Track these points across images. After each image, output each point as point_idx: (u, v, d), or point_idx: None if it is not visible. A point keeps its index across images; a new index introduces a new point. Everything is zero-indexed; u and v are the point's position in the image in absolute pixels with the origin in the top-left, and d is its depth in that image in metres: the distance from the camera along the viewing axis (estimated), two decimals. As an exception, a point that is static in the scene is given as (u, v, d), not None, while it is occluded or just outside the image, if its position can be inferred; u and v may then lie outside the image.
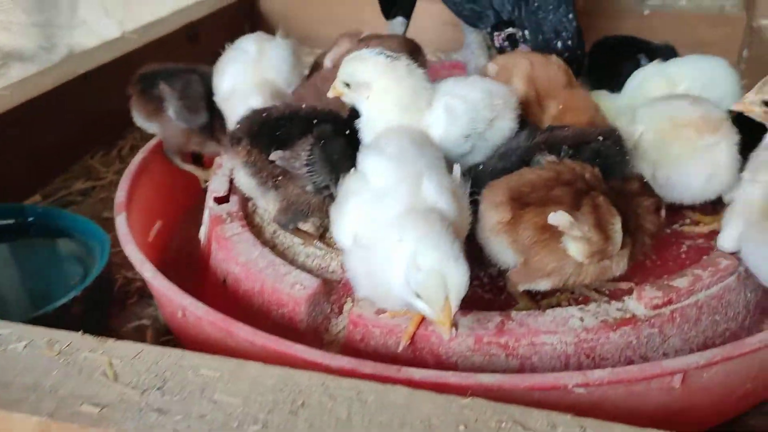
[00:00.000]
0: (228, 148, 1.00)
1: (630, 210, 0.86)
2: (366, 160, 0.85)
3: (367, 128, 0.93)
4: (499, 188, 0.85)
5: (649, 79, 1.11)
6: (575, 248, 0.81)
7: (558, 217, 0.79)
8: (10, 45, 2.83)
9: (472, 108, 0.94)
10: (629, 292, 0.87)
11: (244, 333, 0.75)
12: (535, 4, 1.12)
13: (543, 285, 0.85)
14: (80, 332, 0.70)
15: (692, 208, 1.02)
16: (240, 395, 0.62)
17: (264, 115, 0.97)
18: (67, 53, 2.80)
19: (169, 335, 1.00)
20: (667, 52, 1.26)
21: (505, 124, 0.97)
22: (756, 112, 0.91)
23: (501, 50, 1.17)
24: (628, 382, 0.68)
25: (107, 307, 1.02)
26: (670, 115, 0.96)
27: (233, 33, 2.14)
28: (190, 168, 1.26)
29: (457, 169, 0.84)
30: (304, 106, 0.99)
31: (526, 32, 1.13)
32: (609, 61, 1.27)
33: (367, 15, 1.71)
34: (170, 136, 1.19)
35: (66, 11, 2.81)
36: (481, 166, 0.92)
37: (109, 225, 1.21)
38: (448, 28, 1.97)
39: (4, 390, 0.62)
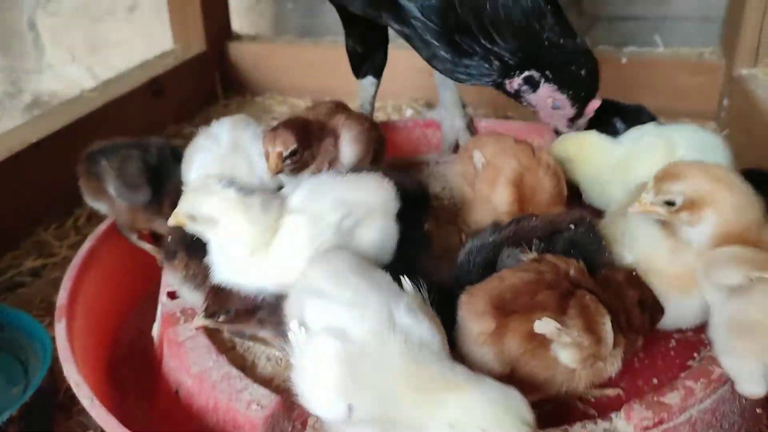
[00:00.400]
0: (164, 263, 0.92)
1: (619, 304, 0.80)
2: (312, 311, 0.71)
3: (218, 265, 0.83)
4: (480, 296, 0.78)
5: (647, 139, 1.08)
6: (566, 355, 0.75)
7: (544, 325, 0.73)
8: (-25, 91, 2.74)
9: (316, 225, 0.81)
10: (617, 399, 0.80)
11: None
12: (546, 42, 1.06)
13: (533, 397, 0.77)
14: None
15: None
16: None
17: None
18: (31, 100, 2.72)
19: (117, 450, 0.91)
20: (639, 114, 1.25)
21: (372, 234, 0.84)
22: (660, 213, 0.84)
23: (517, 94, 1.11)
24: None
25: (51, 417, 0.93)
26: (645, 257, 0.87)
27: (202, 84, 2.10)
28: (146, 247, 1.18)
29: (406, 282, 0.74)
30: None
31: (547, 72, 1.08)
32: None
33: (336, 64, 1.65)
34: (117, 214, 1.11)
35: (32, 56, 2.73)
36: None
37: (57, 313, 1.13)
38: (423, 75, 1.92)
39: None
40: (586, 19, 2.21)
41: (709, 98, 1.95)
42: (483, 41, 1.08)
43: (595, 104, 1.13)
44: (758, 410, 0.89)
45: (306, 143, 0.99)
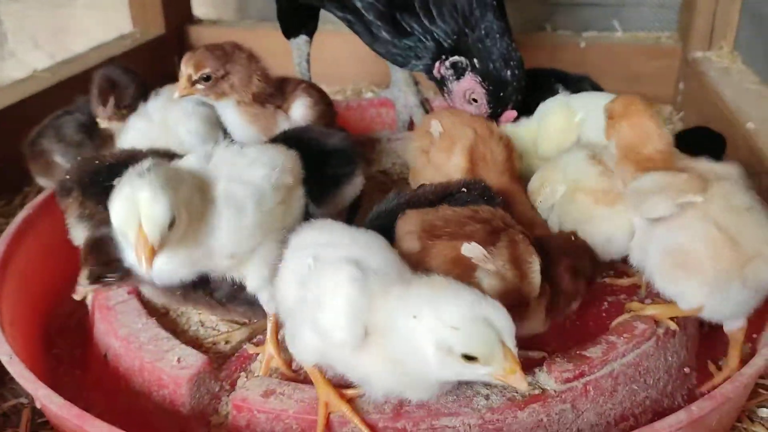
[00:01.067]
0: (58, 198, 0.92)
1: (549, 264, 0.80)
2: (322, 253, 0.71)
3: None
4: (412, 218, 0.80)
5: (552, 108, 1.11)
6: (489, 283, 0.75)
7: (471, 249, 0.74)
8: (-65, 79, 2.69)
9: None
10: (541, 362, 0.80)
11: (100, 430, 0.66)
12: (482, 32, 1.07)
13: None
14: None
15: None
16: None
17: (96, 162, 0.90)
18: (-7, 86, 2.67)
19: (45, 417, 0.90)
20: (582, 83, 1.26)
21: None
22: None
23: (442, 80, 1.11)
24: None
25: (-20, 387, 0.91)
26: (575, 179, 0.91)
27: (160, 67, 2.08)
28: None
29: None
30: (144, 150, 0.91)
31: (475, 60, 1.08)
32: (529, 90, 1.25)
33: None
34: None
35: (-7, 43, 2.69)
36: None
37: None
38: (368, 60, 1.91)
39: None
40: (547, 5, 2.23)
41: (666, 82, 1.97)
42: (423, 19, 1.09)
43: (510, 115, 1.11)
44: (686, 369, 0.90)
45: (223, 70, 1.01)
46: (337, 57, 1.92)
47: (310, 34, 1.44)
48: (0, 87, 1.60)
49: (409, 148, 1.15)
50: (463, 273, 0.74)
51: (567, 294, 0.81)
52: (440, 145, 1.05)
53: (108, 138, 1.11)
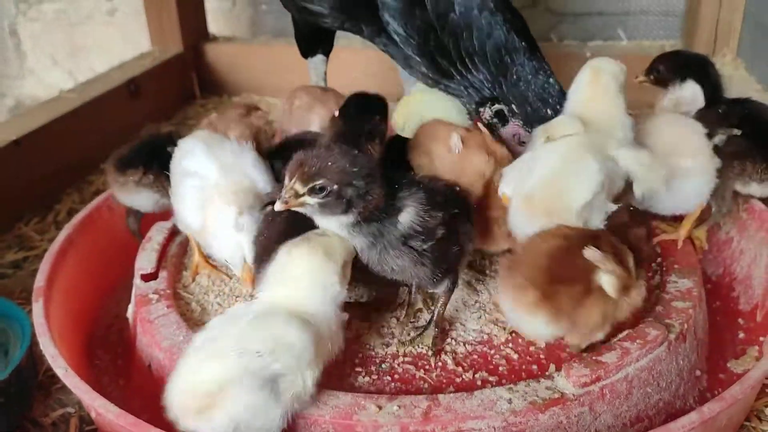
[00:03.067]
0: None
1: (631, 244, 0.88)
2: None
3: None
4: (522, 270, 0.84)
5: None
6: (608, 281, 0.82)
7: (592, 253, 0.81)
8: (-44, 96, 2.77)
9: None
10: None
11: (157, 437, 0.72)
12: (514, 77, 1.08)
13: (600, 335, 0.85)
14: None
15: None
16: None
17: None
18: (14, 104, 2.75)
19: (93, 425, 0.95)
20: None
21: None
22: None
23: (490, 126, 1.14)
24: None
25: (30, 396, 0.97)
26: None
27: (180, 84, 2.14)
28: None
29: None
30: None
31: (513, 106, 1.10)
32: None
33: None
34: None
35: (14, 62, 2.76)
36: None
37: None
38: (381, 76, 1.95)
39: None
40: (553, 15, 2.28)
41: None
42: (459, 67, 1.11)
43: None
44: (698, 372, 0.95)
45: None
46: (352, 72, 1.97)
47: (327, 53, 1.50)
48: (29, 108, 1.67)
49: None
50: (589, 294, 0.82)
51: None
52: (457, 166, 1.08)
53: None
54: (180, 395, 0.74)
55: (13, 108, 2.69)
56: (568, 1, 2.24)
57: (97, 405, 0.77)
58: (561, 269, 0.81)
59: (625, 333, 0.87)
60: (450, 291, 0.92)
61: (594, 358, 0.83)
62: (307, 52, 1.49)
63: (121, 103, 1.83)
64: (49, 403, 0.99)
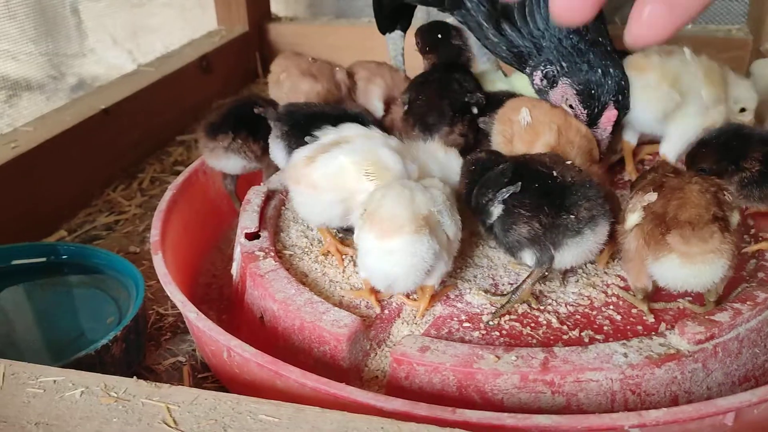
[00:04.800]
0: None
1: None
2: None
3: None
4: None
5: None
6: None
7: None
8: (18, 74, 2.85)
9: None
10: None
11: (294, 375, 0.75)
12: (571, 40, 1.09)
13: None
14: (134, 378, 0.70)
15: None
16: (301, 441, 0.63)
17: None
18: (76, 82, 2.82)
19: (206, 372, 1.00)
20: None
21: None
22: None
23: (540, 92, 1.16)
24: (683, 421, 0.69)
25: (144, 345, 1.02)
26: None
27: (245, 63, 2.19)
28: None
29: None
30: None
31: (564, 65, 1.11)
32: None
33: (371, 44, 1.74)
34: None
35: (75, 41, 2.83)
36: None
37: (136, 259, 1.22)
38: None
39: (66, 440, 0.62)
40: (615, -1, 2.28)
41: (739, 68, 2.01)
42: (521, 29, 1.13)
43: (611, 115, 1.10)
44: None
45: None
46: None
47: (405, 29, 1.52)
48: (113, 80, 1.71)
49: (494, 131, 1.21)
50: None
51: None
52: (524, 137, 1.11)
53: None
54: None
55: (76, 86, 2.76)
56: (628, -16, 2.24)
57: (233, 345, 0.81)
58: (720, 212, 0.83)
59: (734, 294, 0.89)
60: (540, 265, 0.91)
61: (707, 317, 0.85)
62: (386, 27, 1.52)
63: (195, 78, 1.88)
64: (160, 353, 1.03)
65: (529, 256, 0.91)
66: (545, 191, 0.89)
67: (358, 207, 0.91)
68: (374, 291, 0.94)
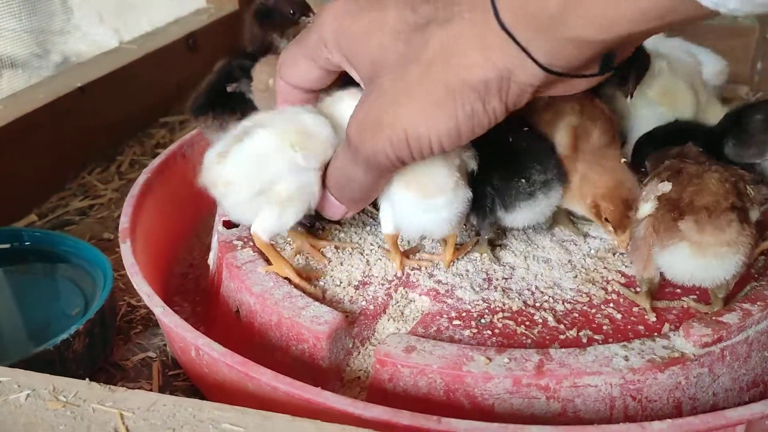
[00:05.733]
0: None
1: None
2: None
3: None
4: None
5: None
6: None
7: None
8: (1, 51, 2.76)
9: None
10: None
11: (265, 378, 0.69)
12: None
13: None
14: (86, 381, 0.64)
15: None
16: (268, 454, 0.56)
17: None
18: (61, 60, 2.73)
19: (177, 369, 0.93)
20: None
21: None
22: None
23: None
24: (689, 434, 0.63)
25: (112, 339, 0.95)
26: None
27: (233, 42, 2.10)
28: None
29: None
30: None
31: None
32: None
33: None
34: None
35: (60, 17, 2.74)
36: None
37: (109, 246, 1.16)
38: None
39: (5, 450, 0.56)
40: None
41: (742, 61, 1.95)
42: None
43: None
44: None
45: None
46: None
47: None
48: (91, 58, 1.64)
49: None
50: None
51: None
52: (544, 116, 1.05)
53: None
54: None
55: (60, 64, 2.67)
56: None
57: (201, 343, 0.74)
58: (739, 202, 0.76)
59: (743, 293, 0.83)
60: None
61: (714, 318, 0.79)
62: None
63: (180, 57, 1.80)
64: (129, 348, 0.97)
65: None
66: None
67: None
68: (398, 247, 0.93)
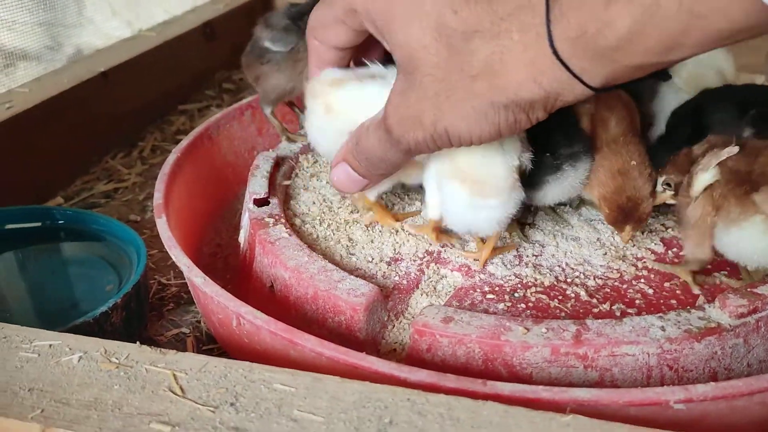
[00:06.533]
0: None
1: None
2: None
3: None
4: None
5: None
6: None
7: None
8: (15, 44, 2.76)
9: None
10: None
11: (310, 344, 0.70)
12: None
13: None
14: (137, 344, 0.65)
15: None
16: (321, 413, 0.57)
17: None
18: (74, 52, 2.74)
19: (211, 344, 0.94)
20: None
21: None
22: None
23: None
24: (732, 397, 0.64)
25: (146, 315, 0.96)
26: None
27: (250, 30, 2.12)
28: (275, 123, 1.20)
29: None
30: None
31: None
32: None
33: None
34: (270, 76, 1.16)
35: (72, 10, 2.74)
36: None
37: (137, 228, 1.17)
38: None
39: (64, 407, 0.57)
40: None
41: (757, 52, 1.95)
42: None
43: None
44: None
45: None
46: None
47: None
48: (110, 46, 1.65)
49: None
50: None
51: None
52: None
53: None
54: None
55: (72, 56, 2.68)
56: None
57: (243, 312, 0.75)
58: None
59: None
60: None
61: (750, 289, 0.79)
62: None
63: (198, 45, 1.81)
64: (162, 324, 0.98)
65: None
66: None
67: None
68: (438, 229, 0.92)
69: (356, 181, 0.86)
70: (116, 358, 0.62)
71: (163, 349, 0.64)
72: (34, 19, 2.88)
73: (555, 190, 0.93)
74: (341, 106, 0.86)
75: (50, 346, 0.64)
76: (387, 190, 0.96)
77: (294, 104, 1.26)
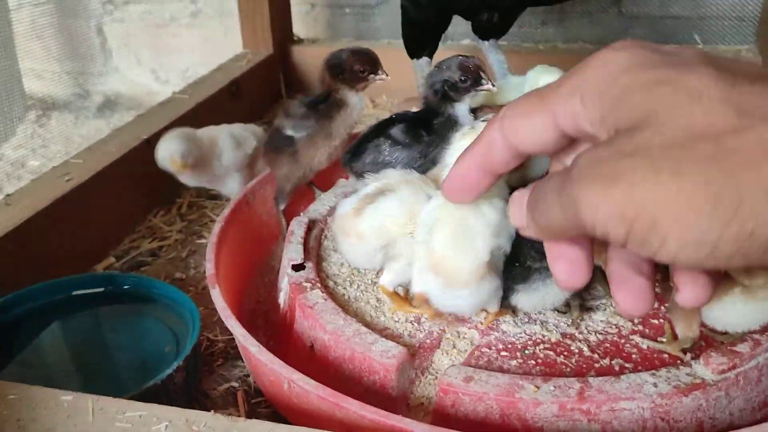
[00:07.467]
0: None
1: None
2: None
3: None
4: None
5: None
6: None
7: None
8: (44, 93, 2.93)
9: None
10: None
11: (354, 407, 0.82)
12: None
13: None
14: (212, 412, 0.78)
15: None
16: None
17: None
18: (102, 101, 2.90)
19: (258, 398, 1.07)
20: None
21: None
22: None
23: None
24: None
25: (200, 372, 1.09)
26: None
27: (270, 85, 2.26)
28: (283, 223, 1.35)
29: None
30: None
31: None
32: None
33: (391, 65, 1.80)
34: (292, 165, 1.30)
35: (99, 60, 2.91)
36: None
37: (182, 285, 1.30)
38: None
39: (161, 473, 0.69)
40: (626, 18, 2.35)
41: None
42: None
43: None
44: (813, 364, 1.03)
45: None
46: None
47: (431, 55, 1.59)
48: (149, 109, 1.79)
49: None
50: None
51: None
52: None
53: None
54: None
55: (102, 105, 2.84)
56: (642, 3, 2.31)
57: (295, 378, 0.88)
58: None
59: (753, 326, 0.96)
60: None
61: (729, 347, 0.91)
62: (415, 52, 1.58)
63: (224, 103, 1.95)
64: (214, 378, 1.10)
65: None
66: None
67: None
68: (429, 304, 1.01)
69: (518, 218, 0.70)
70: (196, 426, 0.75)
71: (233, 417, 0.76)
72: (62, 68, 3.05)
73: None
74: (370, 234, 1.01)
75: (140, 416, 0.76)
76: (404, 282, 1.06)
77: (312, 183, 1.39)
